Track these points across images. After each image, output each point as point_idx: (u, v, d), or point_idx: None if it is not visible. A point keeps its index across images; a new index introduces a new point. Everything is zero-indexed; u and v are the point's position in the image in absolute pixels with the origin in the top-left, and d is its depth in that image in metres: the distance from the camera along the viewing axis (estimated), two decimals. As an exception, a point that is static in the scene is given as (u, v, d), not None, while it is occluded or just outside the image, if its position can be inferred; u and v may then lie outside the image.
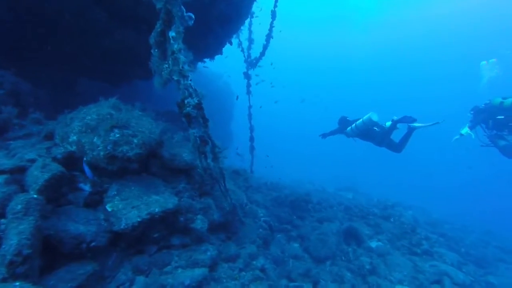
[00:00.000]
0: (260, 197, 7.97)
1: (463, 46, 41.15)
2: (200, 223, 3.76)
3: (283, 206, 7.65)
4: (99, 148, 3.22)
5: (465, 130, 6.59)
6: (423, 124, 6.28)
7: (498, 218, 19.63)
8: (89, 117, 3.37)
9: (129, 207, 3.28)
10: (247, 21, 9.45)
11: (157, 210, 3.32)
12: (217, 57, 8.25)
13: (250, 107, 9.85)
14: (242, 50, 10.09)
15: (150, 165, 3.96)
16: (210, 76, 17.92)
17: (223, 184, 3.74)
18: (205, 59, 8.61)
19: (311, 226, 6.79)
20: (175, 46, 2.70)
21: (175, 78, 2.88)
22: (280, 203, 7.84)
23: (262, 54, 9.39)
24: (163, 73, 2.86)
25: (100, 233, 3.01)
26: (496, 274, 7.11)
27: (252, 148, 9.83)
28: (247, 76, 9.93)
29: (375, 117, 6.21)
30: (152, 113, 4.24)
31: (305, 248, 6.03)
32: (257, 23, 9.57)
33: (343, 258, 5.97)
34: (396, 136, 6.71)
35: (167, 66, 2.81)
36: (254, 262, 4.12)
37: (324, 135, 7.65)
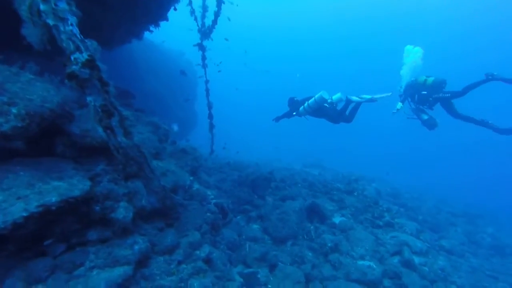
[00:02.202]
0: (218, 178, 7.37)
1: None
2: (123, 212, 3.05)
3: (243, 186, 7.13)
4: (-44, 121, 2.32)
5: (399, 104, 7.11)
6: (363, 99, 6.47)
7: (452, 184, 21.21)
8: None
9: (13, 198, 2.46)
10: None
11: (54, 199, 2.54)
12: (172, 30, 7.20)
13: (207, 81, 8.93)
14: (195, 19, 8.99)
15: (55, 145, 3.12)
16: (171, 54, 16.48)
17: (146, 164, 3.02)
18: (150, 26, 7.50)
19: (273, 205, 6.37)
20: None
21: (50, 22, 2.02)
22: (241, 183, 7.31)
23: (215, 22, 8.39)
24: (23, 13, 1.96)
25: (-37, 237, 2.20)
26: (447, 238, 7.56)
27: (211, 126, 9.03)
28: (201, 47, 8.90)
29: (326, 95, 6.52)
30: (56, 78, 3.31)
31: (265, 229, 5.61)
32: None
33: (305, 236, 5.65)
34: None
35: (30, 2, 1.92)
36: (197, 252, 3.54)
37: (277, 119, 7.63)
